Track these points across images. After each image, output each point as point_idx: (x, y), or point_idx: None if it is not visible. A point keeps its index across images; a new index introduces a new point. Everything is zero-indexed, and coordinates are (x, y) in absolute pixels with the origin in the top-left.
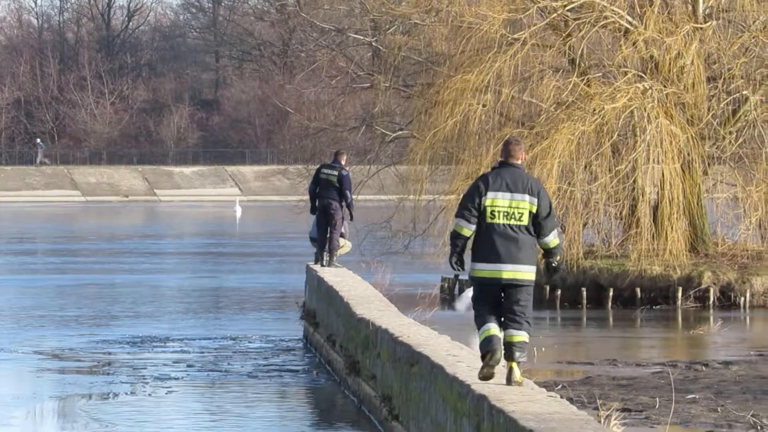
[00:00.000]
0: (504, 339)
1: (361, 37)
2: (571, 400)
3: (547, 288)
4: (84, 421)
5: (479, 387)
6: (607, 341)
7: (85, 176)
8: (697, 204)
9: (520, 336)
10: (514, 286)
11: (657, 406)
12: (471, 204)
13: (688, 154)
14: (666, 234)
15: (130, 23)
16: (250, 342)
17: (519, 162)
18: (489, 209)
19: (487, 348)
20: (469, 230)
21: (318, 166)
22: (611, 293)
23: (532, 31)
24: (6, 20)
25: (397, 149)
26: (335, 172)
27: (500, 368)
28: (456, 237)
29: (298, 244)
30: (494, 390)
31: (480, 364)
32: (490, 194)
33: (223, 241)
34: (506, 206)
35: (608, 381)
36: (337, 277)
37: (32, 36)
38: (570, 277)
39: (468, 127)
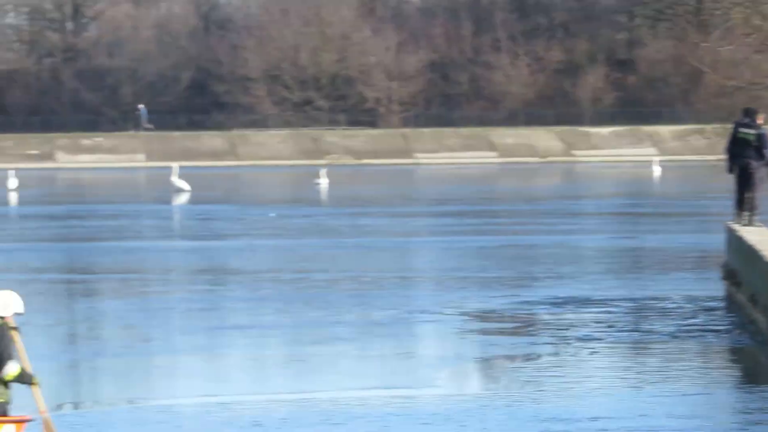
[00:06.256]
0: None
1: None
2: None
3: None
4: (505, 382)
5: None
6: None
7: (503, 137)
8: None
9: None
10: None
11: None
12: None
13: None
14: None
15: None
16: (671, 302)
17: None
18: None
19: None
20: None
21: (733, 125)
22: None
23: None
24: None
25: None
26: (753, 131)
27: None
28: None
29: (717, 204)
30: None
31: None
32: None
33: (641, 201)
34: None
35: None
36: (758, 236)
37: None
38: None
39: None
